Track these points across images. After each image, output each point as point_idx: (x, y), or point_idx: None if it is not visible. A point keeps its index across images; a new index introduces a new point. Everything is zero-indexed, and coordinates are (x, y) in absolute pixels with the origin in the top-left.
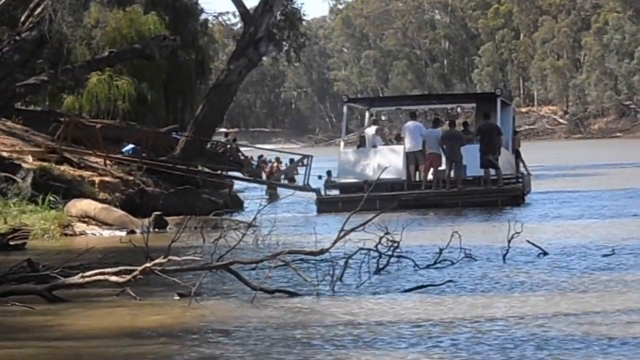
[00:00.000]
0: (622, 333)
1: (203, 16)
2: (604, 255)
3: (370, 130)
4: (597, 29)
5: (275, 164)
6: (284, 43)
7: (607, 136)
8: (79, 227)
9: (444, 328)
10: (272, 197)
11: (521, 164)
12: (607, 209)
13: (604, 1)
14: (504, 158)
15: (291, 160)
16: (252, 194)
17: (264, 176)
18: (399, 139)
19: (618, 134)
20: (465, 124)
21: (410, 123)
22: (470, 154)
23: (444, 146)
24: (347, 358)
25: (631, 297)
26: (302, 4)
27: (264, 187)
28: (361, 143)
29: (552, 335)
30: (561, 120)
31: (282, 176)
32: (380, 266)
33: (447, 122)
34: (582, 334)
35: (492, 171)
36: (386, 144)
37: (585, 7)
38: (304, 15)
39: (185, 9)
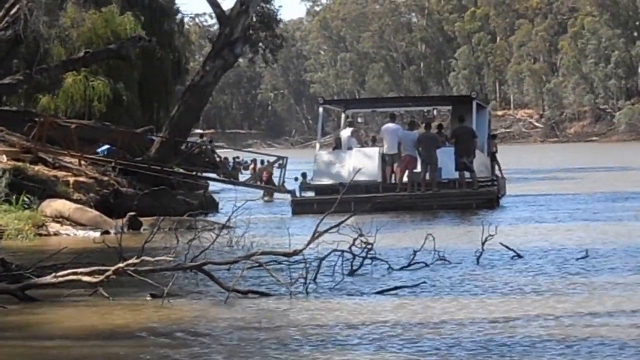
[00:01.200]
0: (595, 336)
1: (179, 17)
2: (578, 259)
3: (346, 132)
4: (573, 33)
5: (252, 166)
6: (260, 44)
7: (583, 140)
8: (53, 227)
9: (418, 330)
10: (268, 202)
11: (496, 167)
12: (582, 213)
13: (580, 5)
14: (479, 161)
15: (263, 162)
16: (227, 196)
17: (241, 178)
18: (375, 141)
19: (594, 138)
20: (440, 126)
21: (389, 125)
22: (446, 157)
23: (420, 148)
24: None
25: (604, 300)
26: (280, 6)
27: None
28: (337, 145)
29: (524, 338)
30: (537, 124)
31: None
32: (354, 268)
33: (423, 124)
34: (555, 337)
35: (467, 174)
36: (362, 146)
37: (562, 10)
38: (280, 16)
39: (161, 9)
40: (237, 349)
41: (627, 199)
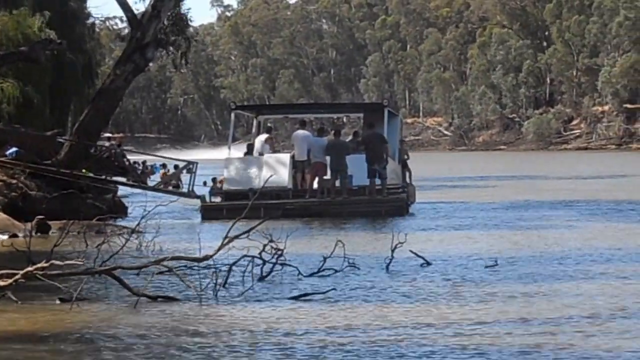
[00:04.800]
0: (497, 344)
1: (90, 20)
2: (487, 267)
3: (261, 138)
4: (481, 42)
5: (162, 171)
6: (171, 48)
7: (491, 148)
8: None
9: (323, 338)
10: None
11: (407, 175)
12: (491, 221)
13: (490, 14)
14: (390, 168)
15: (176, 167)
16: (136, 200)
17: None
18: None
19: (502, 147)
20: (355, 133)
21: (299, 132)
22: (356, 164)
23: (330, 155)
24: None
25: (510, 308)
26: (189, 8)
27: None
28: (248, 151)
29: (426, 345)
30: (446, 132)
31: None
32: (264, 274)
33: (333, 131)
34: (460, 345)
35: (378, 181)
36: (274, 152)
37: (472, 20)
38: (191, 21)
39: (72, 12)
40: (143, 354)
41: (535, 208)
